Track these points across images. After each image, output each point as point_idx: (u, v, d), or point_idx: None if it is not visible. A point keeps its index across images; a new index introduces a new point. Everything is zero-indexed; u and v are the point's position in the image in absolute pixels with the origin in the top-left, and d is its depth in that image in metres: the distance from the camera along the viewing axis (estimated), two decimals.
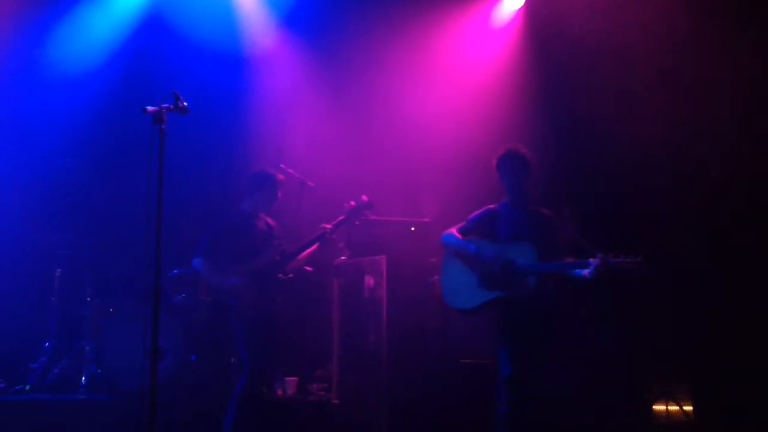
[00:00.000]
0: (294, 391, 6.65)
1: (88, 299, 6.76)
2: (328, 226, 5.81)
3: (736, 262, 6.24)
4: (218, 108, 7.22)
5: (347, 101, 7.57)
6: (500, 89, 7.48)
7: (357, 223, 6.09)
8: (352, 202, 5.87)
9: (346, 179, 6.92)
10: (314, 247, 5.80)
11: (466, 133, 7.28)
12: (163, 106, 4.11)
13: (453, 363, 6.14)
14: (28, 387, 6.36)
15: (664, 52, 6.57)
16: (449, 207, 6.66)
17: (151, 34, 7.38)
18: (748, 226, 6.24)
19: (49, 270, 6.83)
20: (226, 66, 7.51)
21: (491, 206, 5.09)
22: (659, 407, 6.49)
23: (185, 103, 4.15)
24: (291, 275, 5.73)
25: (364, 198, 5.88)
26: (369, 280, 6.39)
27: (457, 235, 5.05)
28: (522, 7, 7.73)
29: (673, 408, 6.44)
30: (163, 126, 4.09)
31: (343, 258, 6.66)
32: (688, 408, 6.40)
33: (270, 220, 5.84)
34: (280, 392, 6.60)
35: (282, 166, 6.40)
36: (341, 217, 5.86)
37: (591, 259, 4.64)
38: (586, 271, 4.68)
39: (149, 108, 4.09)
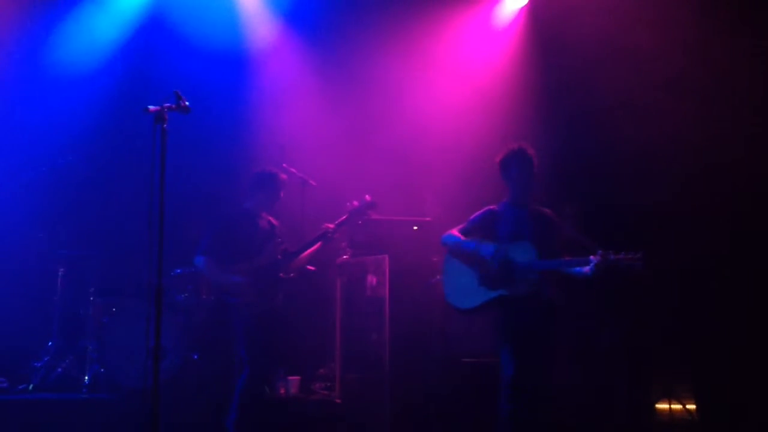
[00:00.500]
0: (296, 390, 6.66)
1: (91, 298, 6.77)
2: (331, 225, 5.81)
3: (738, 259, 6.23)
4: (220, 107, 7.23)
5: (350, 101, 7.57)
6: (503, 89, 7.48)
7: (360, 222, 6.09)
8: (355, 202, 5.88)
9: (348, 179, 6.92)
10: (316, 246, 5.81)
11: (469, 133, 7.28)
12: (165, 105, 4.12)
13: (455, 362, 6.14)
14: (31, 386, 6.38)
15: (670, 52, 6.56)
16: (451, 206, 6.66)
17: (153, 34, 7.38)
18: (750, 223, 6.24)
19: (52, 269, 6.84)
20: (227, 65, 7.52)
21: (492, 206, 5.09)
22: (662, 405, 6.48)
23: (187, 103, 4.16)
24: (293, 274, 5.74)
25: (368, 198, 5.89)
26: (371, 279, 6.39)
27: (457, 235, 5.06)
28: (525, 5, 7.73)
29: (676, 406, 6.44)
30: (165, 125, 4.09)
31: (345, 257, 6.67)
32: (691, 406, 6.40)
33: (272, 219, 5.85)
34: (282, 391, 6.61)
35: (284, 165, 6.42)
36: (344, 217, 5.87)
37: (592, 257, 4.64)
38: (586, 269, 4.68)
39: (151, 107, 4.10)
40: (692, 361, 6.50)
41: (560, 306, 4.97)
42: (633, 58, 6.76)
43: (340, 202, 5.99)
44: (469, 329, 6.10)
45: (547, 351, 4.92)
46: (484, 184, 5.84)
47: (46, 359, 6.55)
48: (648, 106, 6.65)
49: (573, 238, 4.87)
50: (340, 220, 5.85)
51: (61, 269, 6.83)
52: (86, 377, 6.43)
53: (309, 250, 5.80)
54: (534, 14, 7.68)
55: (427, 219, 6.72)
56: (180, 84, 4.32)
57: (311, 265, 6.08)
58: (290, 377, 6.67)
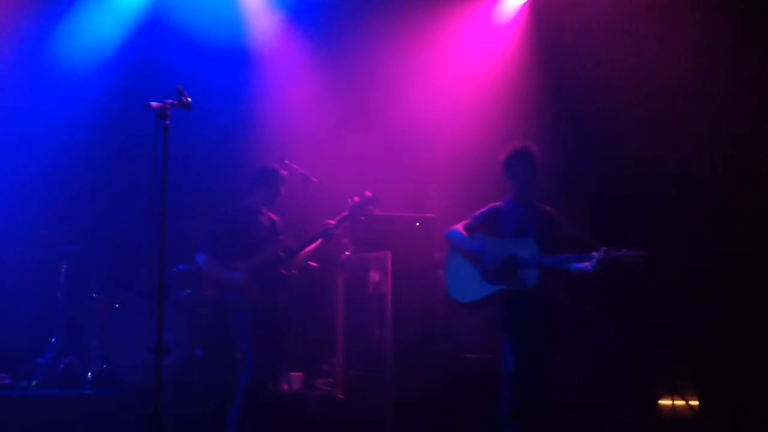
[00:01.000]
0: (299, 386, 6.67)
1: (94, 295, 6.77)
2: (332, 222, 5.81)
3: (740, 254, 6.23)
4: (222, 104, 7.22)
5: (351, 97, 7.56)
6: (506, 85, 7.47)
7: (361, 218, 6.09)
8: (356, 198, 5.88)
9: (350, 175, 6.92)
10: (317, 243, 5.81)
11: (471, 129, 7.27)
12: (167, 101, 4.11)
13: (457, 358, 6.14)
14: (34, 382, 6.38)
15: (676, 44, 6.54)
16: (454, 202, 6.67)
17: (154, 30, 7.37)
18: (752, 220, 6.23)
19: (55, 266, 6.84)
20: (229, 61, 7.51)
21: (496, 204, 5.11)
22: (665, 402, 6.48)
23: (189, 99, 4.16)
24: (294, 271, 5.74)
25: (368, 194, 5.89)
26: (374, 276, 6.39)
27: (461, 231, 5.06)
28: (527, 1, 7.71)
29: (679, 403, 6.43)
30: (167, 122, 4.09)
31: (347, 253, 6.67)
32: (694, 403, 6.39)
33: (273, 216, 5.85)
34: (285, 387, 6.62)
35: (286, 161, 6.41)
36: (345, 213, 5.87)
37: (594, 253, 4.64)
38: (587, 264, 4.68)
39: (153, 104, 4.09)
40: (695, 356, 6.49)
41: (562, 302, 4.97)
42: (636, 55, 6.75)
43: (342, 199, 5.98)
44: (472, 325, 6.10)
45: (548, 347, 4.92)
46: (486, 181, 5.84)
47: (48, 356, 6.55)
48: (650, 103, 6.64)
49: (576, 236, 4.87)
50: (340, 216, 5.85)
51: (64, 266, 6.83)
52: (89, 374, 6.44)
53: (310, 247, 5.79)
54: (536, 10, 7.67)
55: (430, 215, 6.71)
56: (182, 80, 4.31)
57: (313, 262, 6.07)
58: (293, 373, 6.67)
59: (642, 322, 6.48)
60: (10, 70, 7.17)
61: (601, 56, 6.81)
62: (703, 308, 6.39)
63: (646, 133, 6.64)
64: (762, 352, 6.07)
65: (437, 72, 7.65)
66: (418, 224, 6.61)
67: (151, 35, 7.38)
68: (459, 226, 5.10)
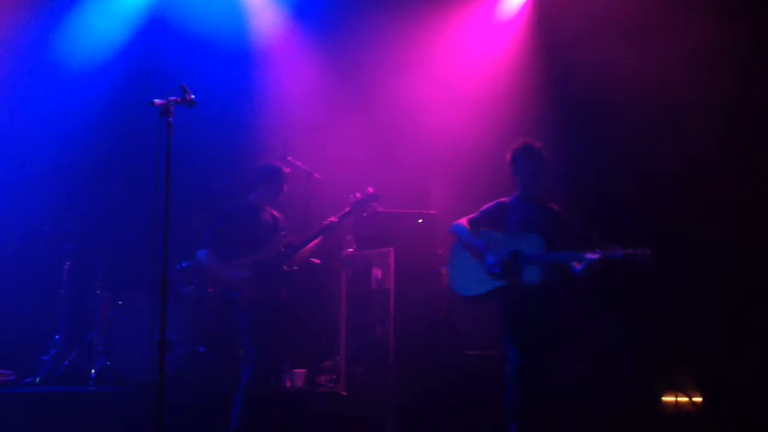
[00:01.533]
0: (302, 383, 6.67)
1: (97, 292, 6.79)
2: (334, 218, 5.81)
3: (744, 250, 6.22)
4: (225, 101, 7.22)
5: (354, 94, 7.55)
6: (510, 81, 7.46)
7: (364, 215, 6.09)
8: (358, 194, 5.87)
9: (353, 172, 6.92)
10: (319, 239, 5.81)
11: (474, 126, 7.26)
12: (171, 98, 4.12)
13: (460, 354, 6.14)
14: (38, 379, 6.40)
15: (680, 40, 6.54)
16: (457, 199, 6.66)
17: (158, 28, 7.37)
18: (756, 219, 6.23)
19: (58, 263, 6.86)
20: (232, 59, 7.51)
21: (503, 199, 5.11)
22: (668, 398, 6.48)
23: (193, 96, 4.16)
24: (296, 267, 5.74)
25: (370, 190, 5.88)
26: (377, 272, 6.40)
27: (466, 226, 5.06)
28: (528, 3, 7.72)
29: (682, 399, 6.43)
30: (170, 119, 4.09)
31: (350, 250, 6.67)
32: (697, 399, 6.39)
33: (276, 213, 5.85)
34: (287, 384, 6.62)
35: (289, 158, 6.42)
36: (347, 209, 5.86)
37: (588, 254, 4.63)
38: (578, 267, 4.70)
39: (157, 101, 4.10)
40: (698, 353, 6.49)
41: (566, 298, 4.97)
42: (639, 52, 6.73)
43: (345, 195, 5.98)
44: (475, 321, 6.11)
45: (552, 343, 4.92)
46: (488, 177, 5.85)
47: (52, 352, 6.57)
48: (653, 101, 6.63)
49: (581, 234, 4.86)
50: (343, 212, 5.85)
51: (68, 263, 6.84)
52: (93, 370, 6.45)
53: (312, 243, 5.79)
54: (539, 6, 7.65)
55: (433, 212, 6.71)
56: (185, 78, 4.32)
57: (316, 259, 6.07)
58: (295, 370, 6.67)
59: (645, 319, 6.48)
60: (14, 68, 7.17)
61: (604, 52, 6.79)
62: (706, 305, 6.38)
63: (648, 130, 6.63)
64: (765, 348, 6.07)
65: (440, 69, 7.64)
66: (420, 221, 6.61)
67: (154, 33, 7.38)
68: (463, 220, 5.10)
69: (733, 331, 6.25)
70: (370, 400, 6.21)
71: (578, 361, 6.15)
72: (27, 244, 6.97)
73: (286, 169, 5.90)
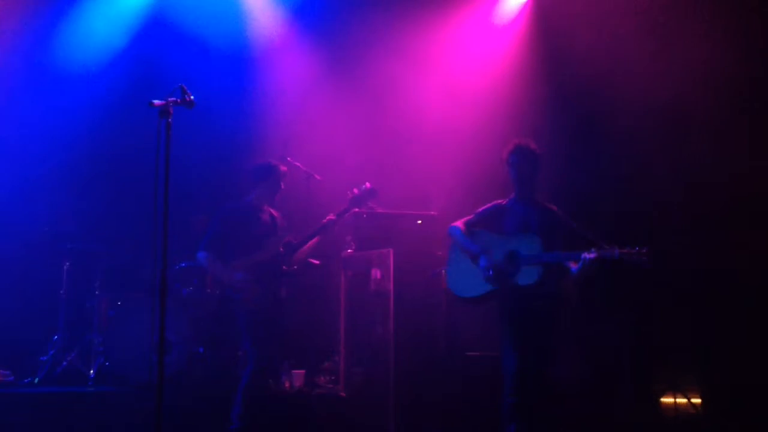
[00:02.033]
0: (301, 384, 6.67)
1: (96, 292, 6.79)
2: (332, 216, 5.80)
3: (743, 252, 6.23)
4: (224, 102, 7.23)
5: (354, 94, 7.55)
6: (509, 83, 7.46)
7: (362, 211, 6.08)
8: (355, 190, 5.86)
9: (353, 172, 6.91)
10: (317, 238, 5.81)
11: (473, 126, 7.26)
12: (170, 99, 4.12)
13: (460, 355, 6.14)
14: (37, 380, 6.41)
15: (678, 46, 6.55)
16: (456, 200, 6.66)
17: (157, 29, 7.38)
18: (757, 220, 6.23)
19: (58, 263, 6.86)
20: (232, 60, 7.51)
21: (500, 201, 5.11)
22: (667, 400, 6.48)
23: (192, 97, 4.16)
24: (295, 267, 5.73)
25: (368, 185, 5.86)
26: (376, 273, 6.39)
27: (463, 228, 5.07)
28: (528, 2, 7.72)
29: (681, 401, 6.43)
30: (169, 119, 4.09)
31: (350, 251, 6.67)
32: (696, 400, 6.39)
33: (274, 212, 5.85)
34: (287, 385, 6.62)
35: (288, 159, 6.42)
36: (344, 206, 5.86)
37: (584, 253, 4.63)
38: (574, 267, 4.70)
39: (156, 102, 4.10)
40: (697, 355, 6.49)
41: (564, 299, 4.97)
42: (640, 55, 6.74)
43: (345, 196, 5.98)
44: (474, 322, 6.10)
45: (550, 344, 4.92)
46: (487, 178, 5.84)
47: (51, 353, 6.57)
48: (654, 104, 6.63)
49: (580, 235, 4.87)
50: (340, 209, 5.84)
51: (67, 263, 6.85)
52: (91, 371, 6.46)
53: (311, 242, 5.79)
54: (539, 7, 7.66)
55: (432, 213, 6.71)
56: (185, 79, 4.31)
57: (315, 259, 6.08)
58: (295, 371, 6.68)
59: (645, 320, 6.48)
60: (14, 69, 7.17)
61: (602, 53, 6.79)
62: (706, 306, 6.38)
63: (648, 131, 6.63)
64: (764, 350, 6.07)
65: (440, 70, 7.64)
66: (420, 222, 6.61)
67: (154, 34, 7.39)
68: (460, 223, 5.11)
69: (733, 332, 6.25)
70: (370, 401, 6.20)
71: (576, 362, 6.15)
72: (27, 244, 6.97)
73: (283, 168, 5.89)
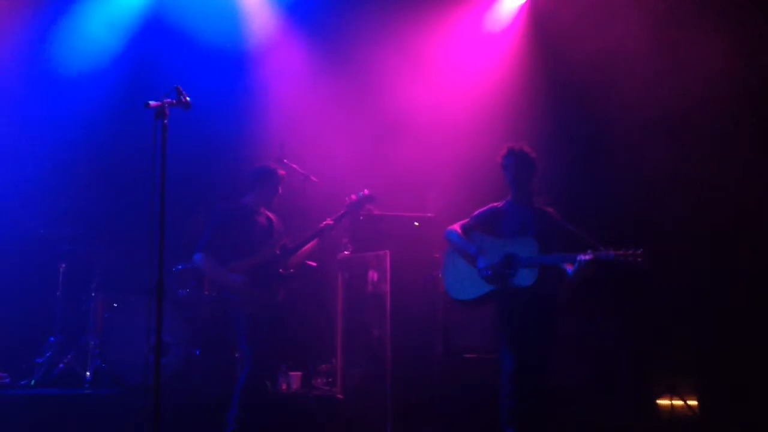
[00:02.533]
0: (298, 386, 6.67)
1: (93, 294, 6.77)
2: (330, 221, 5.81)
3: (740, 254, 6.23)
4: (221, 104, 7.22)
5: (351, 97, 7.55)
6: (506, 85, 7.47)
7: (359, 216, 6.08)
8: (353, 196, 5.88)
9: (350, 175, 6.91)
10: (315, 242, 5.81)
11: (471, 129, 7.27)
12: (166, 100, 4.11)
13: (457, 357, 6.14)
14: (33, 382, 6.39)
15: (680, 48, 6.56)
16: (453, 202, 6.66)
17: (153, 31, 7.37)
18: (753, 221, 6.24)
19: (54, 265, 6.84)
20: (228, 61, 7.50)
21: (496, 204, 5.12)
22: (663, 402, 6.48)
23: (188, 98, 4.15)
24: (292, 270, 5.73)
25: (366, 191, 5.88)
26: (373, 275, 6.39)
27: (459, 231, 5.07)
28: (526, 3, 7.72)
29: (678, 403, 6.43)
30: (165, 121, 4.08)
31: (346, 253, 6.67)
32: (693, 403, 6.39)
33: (271, 215, 5.85)
34: (284, 387, 6.62)
35: (285, 161, 6.41)
36: (342, 211, 5.87)
37: (580, 255, 4.63)
38: (570, 269, 4.70)
39: (152, 102, 4.09)
40: (694, 357, 6.49)
41: (561, 301, 4.97)
42: (635, 64, 6.75)
43: (342, 199, 5.98)
44: (471, 324, 6.10)
45: (547, 346, 4.92)
46: (485, 180, 5.84)
47: (47, 355, 6.55)
48: (649, 109, 6.64)
49: (577, 237, 4.87)
50: (338, 214, 5.85)
51: (63, 264, 6.83)
52: (88, 373, 6.44)
53: (307, 246, 5.79)
54: (536, 11, 7.66)
55: (429, 215, 6.71)
56: (181, 80, 4.31)
57: (312, 261, 6.08)
58: (292, 373, 6.67)
59: (641, 322, 6.48)
60: (10, 70, 7.16)
61: (600, 51, 6.80)
62: (702, 308, 6.38)
63: (647, 139, 6.64)
64: (761, 352, 6.07)
65: (437, 72, 7.64)
66: (416, 224, 6.61)
67: (151, 35, 7.38)
68: (456, 226, 5.11)
69: (730, 334, 6.25)
70: (367, 403, 6.20)
71: (573, 365, 6.15)
72: (23, 245, 6.95)
73: (281, 172, 5.90)
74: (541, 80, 7.33)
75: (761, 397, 5.99)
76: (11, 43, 7.12)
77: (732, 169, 6.29)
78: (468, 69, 7.68)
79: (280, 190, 5.85)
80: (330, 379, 6.79)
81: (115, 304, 6.64)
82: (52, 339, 6.65)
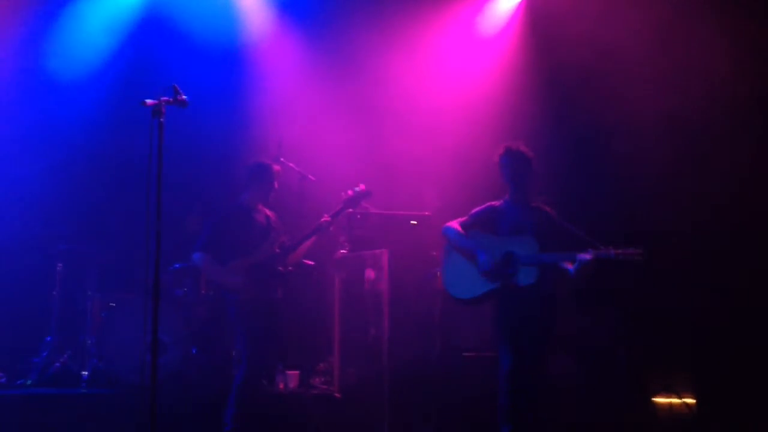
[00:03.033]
0: (295, 385, 6.66)
1: (90, 293, 6.76)
2: (327, 217, 5.80)
3: (737, 252, 6.24)
4: (218, 102, 7.21)
5: (348, 95, 7.55)
6: (504, 85, 7.47)
7: (356, 213, 6.07)
8: (349, 191, 5.86)
9: (347, 173, 6.90)
10: (313, 239, 5.80)
11: (468, 127, 7.27)
12: (162, 99, 4.10)
13: (454, 356, 6.14)
14: (29, 381, 6.37)
15: (679, 49, 6.56)
16: (450, 200, 6.66)
17: (150, 29, 7.36)
18: (751, 219, 6.24)
19: (51, 264, 6.83)
20: (225, 60, 7.50)
21: (494, 202, 5.11)
22: (661, 399, 6.49)
23: (184, 96, 4.15)
24: (291, 268, 5.72)
25: (362, 186, 5.87)
26: (370, 274, 6.39)
27: (458, 228, 5.06)
28: (523, 2, 7.72)
29: (675, 400, 6.44)
30: (162, 119, 4.08)
31: (344, 251, 6.66)
32: (690, 400, 6.40)
33: (269, 212, 5.84)
34: (281, 385, 6.61)
35: (282, 159, 6.40)
36: (339, 207, 5.86)
37: (580, 254, 4.64)
38: (570, 268, 4.70)
39: (148, 101, 4.08)
40: (691, 355, 6.50)
41: (560, 299, 4.97)
42: (634, 63, 6.76)
43: (339, 197, 5.98)
44: (469, 323, 6.10)
45: (545, 345, 4.92)
46: (482, 179, 5.84)
47: (44, 354, 6.54)
48: (647, 110, 6.64)
49: (575, 237, 4.87)
50: (334, 210, 5.84)
51: (60, 264, 6.81)
52: (85, 372, 6.43)
53: (306, 243, 5.78)
54: (532, 10, 7.66)
55: (426, 214, 6.71)
56: (178, 78, 4.30)
57: (310, 260, 6.07)
58: (289, 372, 6.67)
59: (639, 320, 6.49)
60: (6, 69, 7.14)
61: (598, 52, 6.80)
62: (699, 306, 6.39)
63: (646, 139, 6.65)
64: (758, 350, 6.08)
65: (434, 70, 7.64)
66: (414, 222, 6.60)
67: (147, 34, 7.37)
68: (454, 223, 5.10)
69: (727, 332, 6.26)
70: (364, 402, 6.20)
71: (571, 363, 6.15)
72: (19, 245, 6.94)
73: (276, 167, 5.88)
74: (539, 79, 7.32)
75: (758, 395, 6.00)
76: (7, 41, 7.10)
77: (732, 168, 6.29)
78: (465, 67, 7.68)
79: (276, 185, 5.83)
80: (327, 378, 6.79)
81: (112, 304, 6.62)
82: (48, 338, 6.64)
